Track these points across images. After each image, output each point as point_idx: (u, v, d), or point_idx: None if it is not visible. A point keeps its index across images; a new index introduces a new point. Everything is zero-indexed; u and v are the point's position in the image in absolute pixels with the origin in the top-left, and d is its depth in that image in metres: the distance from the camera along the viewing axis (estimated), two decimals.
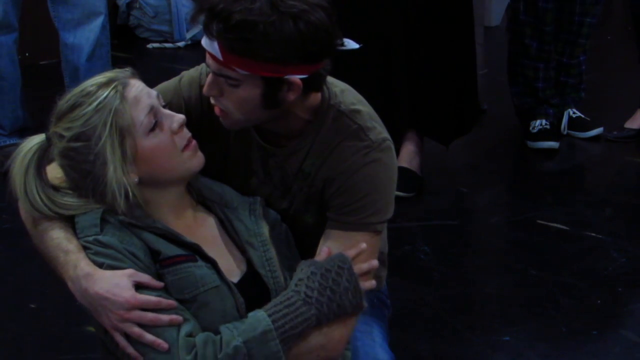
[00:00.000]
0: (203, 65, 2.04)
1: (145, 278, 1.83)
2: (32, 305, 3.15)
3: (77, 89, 1.91)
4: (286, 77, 1.89)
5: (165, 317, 1.82)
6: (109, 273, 1.83)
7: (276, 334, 1.84)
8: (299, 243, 2.08)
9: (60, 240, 1.89)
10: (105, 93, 1.87)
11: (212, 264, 1.91)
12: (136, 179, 1.89)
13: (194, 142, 1.95)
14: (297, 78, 1.90)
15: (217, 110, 1.97)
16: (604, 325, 3.05)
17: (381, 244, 2.14)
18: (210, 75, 1.94)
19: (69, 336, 2.94)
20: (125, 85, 1.89)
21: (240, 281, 1.95)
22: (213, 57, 1.90)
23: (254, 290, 1.93)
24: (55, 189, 1.92)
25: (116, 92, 1.88)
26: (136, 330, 1.81)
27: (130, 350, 1.83)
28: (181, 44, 6.30)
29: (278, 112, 1.96)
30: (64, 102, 1.90)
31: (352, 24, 3.52)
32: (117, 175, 1.86)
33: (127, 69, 1.94)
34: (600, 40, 5.72)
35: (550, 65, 4.49)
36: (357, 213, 1.99)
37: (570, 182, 4.27)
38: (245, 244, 1.99)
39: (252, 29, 1.83)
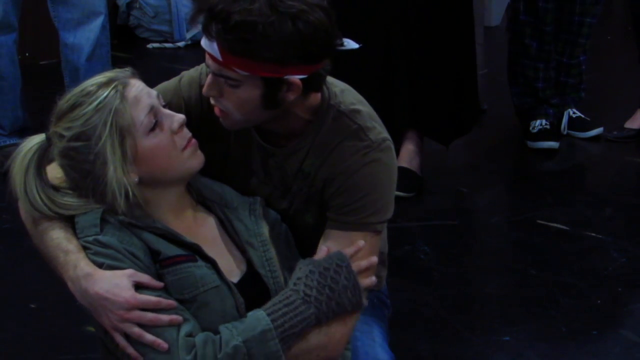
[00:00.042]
0: (203, 65, 2.04)
1: (145, 278, 1.83)
2: (32, 305, 3.15)
3: (77, 89, 1.91)
4: (286, 77, 1.89)
5: (165, 317, 1.82)
6: (108, 273, 1.83)
7: (275, 333, 1.84)
8: (299, 243, 2.07)
9: (60, 240, 1.89)
10: (105, 93, 1.87)
11: (212, 264, 1.91)
12: (136, 179, 1.89)
13: (194, 141, 1.95)
14: (296, 78, 1.90)
15: (217, 110, 1.97)
16: (604, 325, 3.05)
17: (381, 244, 2.14)
18: (209, 76, 1.94)
19: (69, 336, 2.94)
20: (125, 85, 1.89)
21: (240, 281, 1.95)
22: (212, 57, 1.90)
23: (253, 290, 1.93)
24: (55, 189, 1.92)
25: (116, 91, 1.88)
26: (136, 330, 1.82)
27: (130, 350, 1.83)
28: (181, 44, 6.30)
29: (278, 112, 1.96)
30: (64, 102, 1.90)
31: (352, 24, 3.53)
32: (117, 175, 1.86)
33: (127, 69, 1.94)
34: (600, 40, 5.72)
35: (550, 65, 4.49)
36: (357, 213, 1.99)
37: (570, 182, 4.27)
38: (245, 244, 1.99)
39: (252, 30, 1.83)
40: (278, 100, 1.93)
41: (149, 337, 1.81)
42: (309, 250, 2.01)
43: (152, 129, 1.90)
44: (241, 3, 1.83)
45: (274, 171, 2.07)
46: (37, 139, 1.93)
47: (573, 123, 4.62)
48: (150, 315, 1.81)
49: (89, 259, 1.85)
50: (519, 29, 4.45)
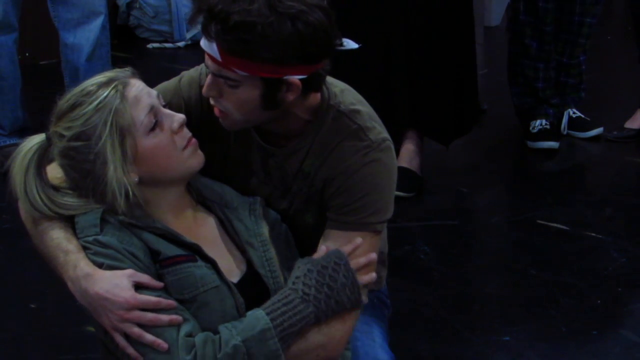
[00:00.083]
0: (203, 65, 2.04)
1: (144, 278, 1.83)
2: (32, 305, 3.15)
3: (77, 89, 1.91)
4: (285, 77, 1.89)
5: (164, 317, 1.82)
6: (108, 273, 1.83)
7: (275, 332, 1.84)
8: (299, 243, 2.08)
9: (60, 241, 1.89)
10: (105, 92, 1.87)
11: (212, 264, 1.91)
12: (136, 179, 1.89)
13: (194, 141, 1.95)
14: (296, 78, 1.90)
15: (216, 111, 1.97)
16: (604, 325, 3.05)
17: (381, 244, 2.14)
18: (209, 77, 1.94)
19: (69, 336, 2.94)
20: (125, 85, 1.89)
21: (240, 281, 1.95)
22: (212, 58, 1.90)
23: (253, 291, 1.93)
24: (55, 189, 1.92)
25: (116, 91, 1.88)
26: (136, 330, 1.81)
27: (130, 350, 1.83)
28: (181, 44, 6.30)
29: (278, 112, 1.96)
30: (64, 102, 1.90)
31: (352, 23, 3.54)
32: (118, 175, 1.86)
33: (127, 69, 1.94)
34: (600, 40, 5.72)
35: (550, 65, 4.49)
36: (357, 213, 1.99)
37: (570, 182, 4.27)
38: (245, 244, 1.99)
39: (251, 30, 1.83)
40: (278, 101, 1.93)
41: (148, 337, 1.81)
42: (309, 250, 2.01)
43: (152, 129, 1.90)
44: (240, 3, 1.83)
45: (274, 171, 2.07)
46: (37, 139, 1.93)
47: (573, 123, 4.62)
48: (150, 316, 1.81)
49: (89, 259, 1.85)
50: (519, 29, 4.45)
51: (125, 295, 1.80)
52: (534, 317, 3.08)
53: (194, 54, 5.92)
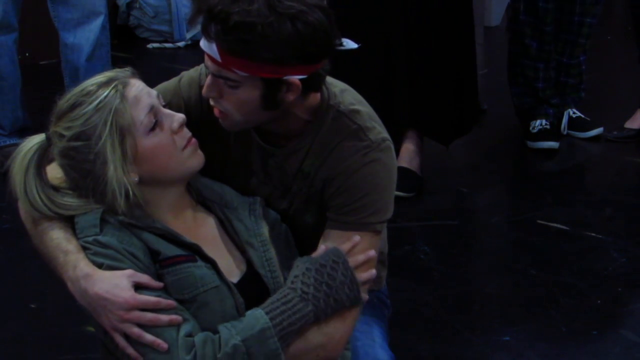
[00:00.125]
0: (202, 65, 2.04)
1: (144, 278, 1.83)
2: (32, 305, 3.15)
3: (77, 89, 1.91)
4: (285, 77, 1.89)
5: (164, 317, 1.82)
6: (108, 273, 1.83)
7: (274, 331, 1.84)
8: (299, 243, 2.07)
9: (59, 241, 1.89)
10: (105, 92, 1.87)
11: (212, 264, 1.91)
12: (136, 179, 1.89)
13: (194, 141, 1.95)
14: (296, 79, 1.90)
15: (216, 111, 1.97)
16: (604, 325, 3.05)
17: (381, 244, 2.14)
18: (209, 77, 1.94)
19: (69, 336, 2.94)
20: (125, 85, 1.89)
21: (240, 281, 1.95)
22: (212, 58, 1.90)
23: (253, 291, 1.93)
24: (55, 189, 1.92)
25: (116, 91, 1.88)
26: (136, 330, 1.81)
27: (130, 350, 1.83)
28: (181, 44, 6.30)
29: (278, 112, 1.96)
30: (64, 102, 1.90)
31: (352, 23, 3.53)
32: (118, 175, 1.86)
33: (127, 69, 1.94)
34: (600, 40, 5.72)
35: (550, 65, 4.49)
36: (357, 213, 1.99)
37: (570, 182, 4.27)
38: (245, 244, 1.99)
39: (251, 31, 1.83)
40: (278, 101, 1.93)
41: (148, 337, 1.81)
42: (309, 250, 2.01)
43: (152, 129, 1.90)
44: (240, 4, 1.83)
45: (274, 171, 2.07)
46: (37, 139, 1.93)
47: (573, 123, 4.62)
48: (149, 316, 1.81)
49: (89, 259, 1.85)
50: (519, 29, 4.45)
51: (125, 296, 1.80)
52: (534, 317, 3.08)
53: (194, 54, 5.92)
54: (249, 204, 2.04)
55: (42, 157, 1.92)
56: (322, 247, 1.98)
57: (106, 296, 1.81)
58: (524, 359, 2.87)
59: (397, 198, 2.10)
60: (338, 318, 1.93)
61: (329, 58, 1.95)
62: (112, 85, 1.88)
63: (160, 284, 1.85)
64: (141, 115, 1.89)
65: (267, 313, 1.86)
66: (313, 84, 1.95)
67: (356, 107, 2.03)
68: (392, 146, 2.05)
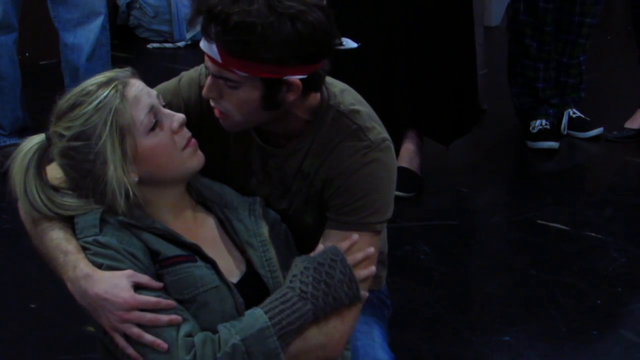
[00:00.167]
0: (202, 65, 2.04)
1: (144, 279, 1.83)
2: (32, 305, 3.15)
3: (77, 89, 1.91)
4: (285, 78, 1.89)
5: (164, 317, 1.82)
6: (108, 274, 1.83)
7: (273, 330, 1.84)
8: (299, 243, 2.07)
9: (59, 241, 1.89)
10: (105, 92, 1.87)
11: (212, 264, 1.91)
12: (136, 179, 1.89)
13: (194, 141, 1.95)
14: (296, 79, 1.90)
15: (216, 112, 1.97)
16: (604, 325, 3.05)
17: (381, 244, 2.14)
18: (209, 78, 1.94)
19: (69, 336, 2.94)
20: (125, 85, 1.89)
21: (239, 281, 1.95)
22: (212, 59, 1.89)
23: (253, 291, 1.93)
24: (55, 189, 1.92)
25: (116, 91, 1.88)
26: (135, 330, 1.81)
27: (130, 350, 1.83)
28: (181, 44, 6.31)
29: (278, 113, 1.96)
30: (64, 102, 1.90)
31: (352, 23, 3.53)
32: (118, 175, 1.86)
33: (127, 69, 1.94)
34: (600, 40, 5.72)
35: (550, 66, 4.49)
36: (357, 213, 1.99)
37: (570, 182, 4.27)
38: (244, 244, 1.99)
39: (251, 31, 1.83)
40: (278, 101, 1.93)
41: (148, 337, 1.81)
42: (308, 250, 2.01)
43: (152, 129, 1.90)
44: (240, 4, 1.83)
45: (274, 172, 2.07)
46: (37, 139, 1.93)
47: (573, 123, 4.62)
48: (149, 316, 1.81)
49: (89, 259, 1.85)
50: (519, 29, 4.45)
51: (125, 296, 1.80)
52: (534, 317, 3.08)
53: (194, 54, 5.92)
54: (249, 204, 2.04)
55: (42, 157, 1.92)
56: (320, 246, 1.98)
57: (106, 296, 1.81)
58: (524, 359, 2.87)
59: (397, 198, 2.10)
60: (338, 318, 1.93)
61: (328, 58, 1.95)
62: (112, 85, 1.88)
63: (160, 284, 1.85)
64: (141, 115, 1.89)
65: (266, 312, 1.86)
66: (313, 84, 1.95)
67: (356, 107, 2.03)
68: (392, 146, 2.05)
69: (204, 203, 2.03)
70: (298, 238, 2.08)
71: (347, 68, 2.86)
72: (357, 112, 2.02)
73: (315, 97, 2.00)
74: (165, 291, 1.85)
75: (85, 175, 1.89)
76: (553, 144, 4.45)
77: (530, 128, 4.50)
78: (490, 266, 3.50)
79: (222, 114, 1.97)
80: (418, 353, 2.89)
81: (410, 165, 3.96)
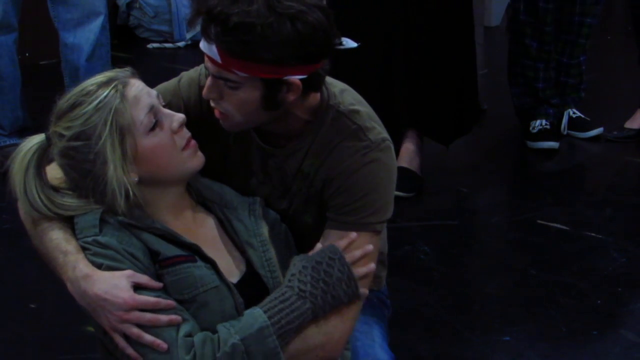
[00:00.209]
0: (202, 66, 2.04)
1: (143, 279, 1.83)
2: (32, 305, 3.15)
3: (77, 89, 1.91)
4: (285, 78, 1.89)
5: (164, 318, 1.82)
6: (107, 274, 1.83)
7: (273, 329, 1.84)
8: (299, 243, 2.07)
9: (59, 241, 1.89)
10: (105, 92, 1.87)
11: (212, 264, 1.91)
12: (136, 179, 1.89)
13: (194, 142, 1.95)
14: (296, 79, 1.90)
15: (217, 112, 1.97)
16: (604, 325, 3.05)
17: (381, 244, 2.14)
18: (209, 79, 1.94)
19: (69, 336, 2.94)
20: (125, 85, 1.89)
21: (239, 281, 1.95)
22: (212, 60, 1.89)
23: (253, 291, 1.93)
24: (55, 189, 1.92)
25: (116, 91, 1.88)
26: (135, 331, 1.81)
27: (130, 351, 1.83)
28: (181, 44, 6.30)
29: (278, 113, 1.96)
30: (64, 102, 1.90)
31: (352, 23, 3.53)
32: (117, 174, 1.86)
33: (127, 69, 1.95)
34: (600, 40, 5.72)
35: (550, 66, 4.49)
36: (357, 213, 1.99)
37: (570, 182, 4.27)
38: (244, 244, 1.99)
39: (250, 31, 1.83)
40: (278, 101, 1.93)
41: (148, 337, 1.81)
42: (308, 250, 2.01)
43: (152, 129, 1.90)
44: (239, 5, 1.83)
45: (274, 172, 2.07)
46: (36, 139, 1.93)
47: (573, 123, 4.62)
48: (149, 316, 1.81)
49: (88, 259, 1.85)
50: (519, 29, 4.45)
51: (124, 296, 1.80)
52: (534, 317, 3.08)
53: (194, 54, 5.92)
54: (249, 204, 2.04)
55: (42, 157, 1.92)
56: (318, 245, 1.98)
57: (105, 297, 1.81)
58: (524, 359, 2.87)
59: (397, 198, 2.10)
60: (337, 317, 1.93)
61: (328, 58, 1.95)
62: (112, 85, 1.88)
63: (159, 284, 1.85)
64: (141, 115, 1.89)
65: (265, 312, 1.86)
66: (313, 84, 1.95)
67: (356, 107, 2.03)
68: (392, 146, 2.05)
69: (204, 203, 2.03)
70: (298, 238, 2.08)
71: (347, 68, 2.85)
72: (357, 112, 2.02)
73: (315, 97, 2.00)
74: (165, 291, 1.85)
75: (85, 175, 1.89)
76: (553, 144, 4.45)
77: (530, 128, 4.50)
78: (490, 266, 3.50)
79: (222, 115, 1.97)
80: (418, 353, 2.89)
81: (410, 165, 3.96)
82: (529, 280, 3.32)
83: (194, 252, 1.90)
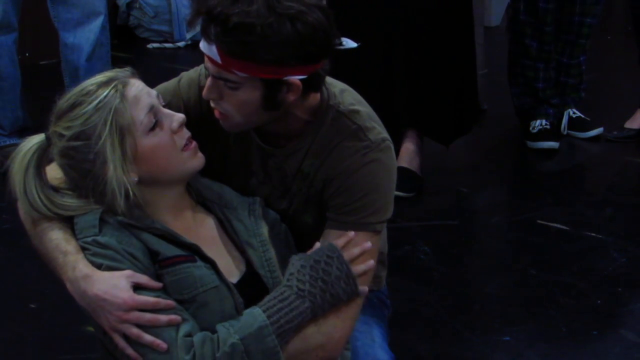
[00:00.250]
0: (202, 66, 2.04)
1: (143, 279, 1.83)
2: (32, 305, 3.15)
3: (77, 88, 1.91)
4: (285, 78, 1.89)
5: (163, 318, 1.82)
6: (107, 274, 1.83)
7: (272, 329, 1.85)
8: (299, 243, 2.07)
9: (59, 242, 1.89)
10: (105, 92, 1.87)
11: (211, 264, 1.91)
12: (136, 179, 1.89)
13: (194, 144, 1.95)
14: (296, 79, 1.90)
15: (217, 113, 1.97)
16: (604, 325, 3.05)
17: (381, 244, 2.14)
18: (209, 79, 1.94)
19: (69, 336, 2.94)
20: (125, 85, 1.89)
21: (239, 281, 1.95)
22: (212, 60, 1.89)
23: (253, 291, 1.93)
24: (55, 189, 1.92)
25: (116, 91, 1.88)
26: (135, 331, 1.81)
27: (130, 351, 1.83)
28: (181, 44, 6.30)
29: (278, 113, 1.96)
30: (64, 101, 1.90)
31: (352, 23, 3.54)
32: (117, 174, 1.86)
33: (127, 69, 1.95)
34: (600, 40, 5.72)
35: (550, 66, 4.49)
36: (357, 213, 1.99)
37: (570, 182, 4.27)
38: (244, 244, 1.99)
39: (250, 32, 1.83)
40: (278, 102, 1.93)
41: (147, 337, 1.81)
42: (308, 250, 2.01)
43: (152, 129, 1.90)
44: (239, 5, 1.83)
45: (274, 172, 2.07)
46: (36, 138, 1.93)
47: (573, 123, 4.62)
48: (148, 316, 1.81)
49: (88, 260, 1.85)
50: (519, 29, 4.45)
51: (124, 296, 1.80)
52: (534, 317, 3.08)
53: (194, 54, 5.92)
54: (249, 204, 2.04)
55: (42, 157, 1.92)
56: (317, 244, 1.98)
57: (105, 297, 1.81)
58: (524, 359, 2.87)
59: (397, 198, 2.10)
60: (337, 317, 1.93)
61: (328, 58, 1.95)
62: (112, 85, 1.88)
63: (159, 284, 1.85)
64: (141, 115, 1.89)
65: (264, 311, 1.86)
66: (313, 84, 1.95)
67: (356, 107, 2.03)
68: (392, 146, 2.05)
69: (204, 203, 2.03)
70: (298, 238, 2.08)
71: (347, 68, 2.85)
72: (357, 112, 2.02)
73: (315, 98, 2.00)
74: (164, 291, 1.85)
75: (85, 175, 1.89)
76: (553, 144, 4.45)
77: (530, 128, 4.50)
78: (490, 266, 3.50)
79: (222, 115, 1.97)
80: (418, 353, 2.89)
81: (410, 165, 3.96)
82: (529, 280, 3.32)
83: (194, 252, 1.90)
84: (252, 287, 1.94)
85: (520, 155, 4.52)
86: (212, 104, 1.97)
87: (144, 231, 1.89)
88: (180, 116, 1.94)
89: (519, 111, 4.60)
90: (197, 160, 1.95)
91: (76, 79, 4.07)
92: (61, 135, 1.89)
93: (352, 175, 1.99)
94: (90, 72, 2.40)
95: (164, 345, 1.80)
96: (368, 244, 1.99)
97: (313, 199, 2.05)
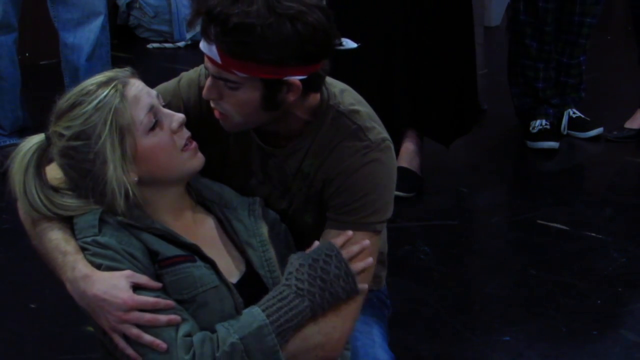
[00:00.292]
0: (202, 66, 2.04)
1: (143, 279, 1.83)
2: (32, 305, 3.15)
3: (77, 88, 1.91)
4: (285, 78, 1.89)
5: (163, 318, 1.82)
6: (106, 274, 1.83)
7: (272, 328, 1.85)
8: (299, 243, 2.07)
9: (58, 242, 1.89)
10: (105, 92, 1.87)
11: (211, 264, 1.91)
12: (136, 179, 1.89)
13: (194, 144, 1.95)
14: (296, 79, 1.90)
15: (216, 113, 1.97)
16: (604, 325, 3.05)
17: (381, 244, 2.14)
18: (209, 79, 1.94)
19: (69, 336, 2.94)
20: (125, 84, 1.89)
21: (239, 281, 1.95)
22: (212, 60, 1.89)
23: (253, 291, 1.93)
24: (55, 189, 1.92)
25: (116, 91, 1.88)
26: (134, 331, 1.81)
27: (129, 351, 1.83)
28: (181, 44, 6.30)
29: (278, 113, 1.96)
30: (63, 101, 1.90)
31: (352, 23, 3.53)
32: (117, 174, 1.86)
33: (127, 69, 1.95)
34: (600, 40, 5.72)
35: (550, 66, 4.49)
36: (357, 213, 1.99)
37: (570, 182, 4.27)
38: (244, 244, 1.99)
39: (250, 32, 1.83)
40: (278, 102, 1.93)
41: (147, 337, 1.81)
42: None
43: (152, 129, 1.90)
44: (239, 5, 1.83)
45: (274, 172, 2.07)
46: (36, 138, 1.93)
47: (573, 123, 4.62)
48: (148, 316, 1.81)
49: (87, 260, 1.85)
50: (519, 29, 4.45)
51: (124, 296, 1.80)
52: (534, 317, 3.08)
53: (194, 54, 5.92)
54: (249, 204, 2.04)
55: (42, 157, 1.92)
56: (315, 243, 1.98)
57: (105, 297, 1.81)
58: (524, 359, 2.87)
59: (397, 198, 2.10)
60: (337, 317, 1.93)
61: (328, 58, 1.95)
62: (112, 85, 1.88)
63: (158, 285, 1.85)
64: (141, 115, 1.89)
65: (263, 310, 1.86)
66: (313, 84, 1.95)
67: (356, 107, 2.03)
68: (392, 146, 2.05)
69: (204, 203, 2.03)
70: (298, 238, 2.08)
71: (347, 68, 2.85)
72: (357, 112, 2.02)
73: (315, 98, 2.00)
74: (164, 291, 1.85)
75: (85, 175, 1.89)
76: (553, 144, 4.45)
77: (530, 128, 4.50)
78: (490, 266, 3.50)
79: (222, 115, 1.97)
80: (418, 353, 2.89)
81: (410, 165, 3.96)
82: (529, 280, 3.32)
83: (194, 252, 1.90)
84: (252, 287, 1.94)
85: (520, 155, 4.52)
86: (212, 104, 1.97)
87: (143, 231, 1.89)
88: (180, 116, 1.94)
89: (519, 111, 4.60)
90: (197, 160, 1.95)
91: (76, 79, 4.07)
92: (61, 135, 1.89)
93: (352, 175, 1.99)
94: (90, 72, 2.40)
95: (164, 345, 1.80)
96: (367, 242, 1.99)
97: (313, 199, 2.05)
